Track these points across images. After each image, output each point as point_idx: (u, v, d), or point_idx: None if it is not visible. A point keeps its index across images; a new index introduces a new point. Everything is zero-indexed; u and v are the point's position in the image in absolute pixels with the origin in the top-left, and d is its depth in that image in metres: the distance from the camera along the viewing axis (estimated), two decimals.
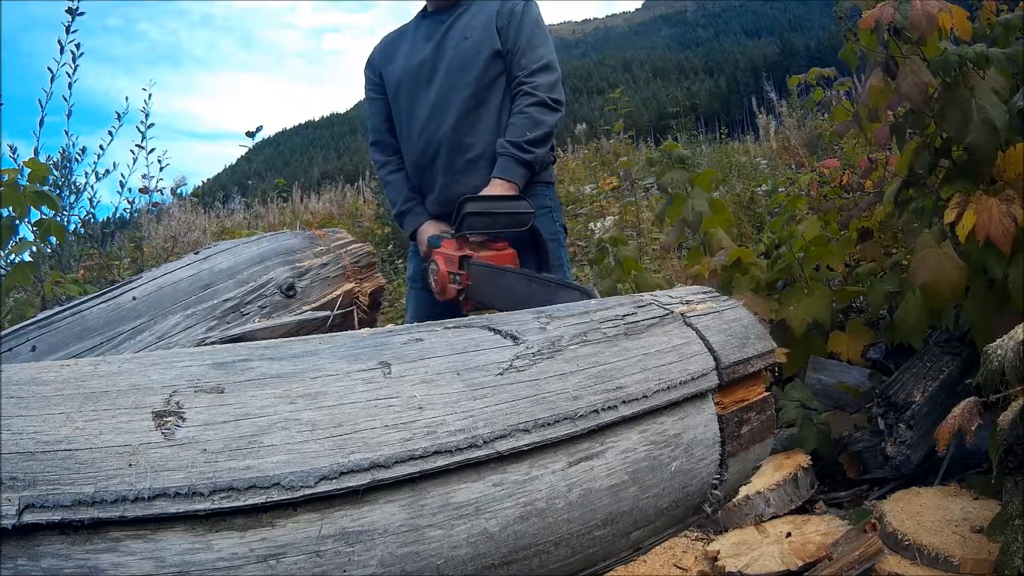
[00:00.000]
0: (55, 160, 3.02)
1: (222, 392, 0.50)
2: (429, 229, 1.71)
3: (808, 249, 2.15)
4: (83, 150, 3.12)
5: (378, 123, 1.84)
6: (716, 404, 0.78)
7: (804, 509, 1.79)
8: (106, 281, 2.74)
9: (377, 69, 1.84)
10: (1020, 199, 1.61)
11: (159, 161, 3.28)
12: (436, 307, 1.54)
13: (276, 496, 0.46)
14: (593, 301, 0.86)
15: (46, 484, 0.41)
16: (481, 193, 1.57)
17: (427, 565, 0.52)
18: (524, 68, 1.67)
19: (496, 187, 1.59)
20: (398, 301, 4.34)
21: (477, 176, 1.66)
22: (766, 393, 0.86)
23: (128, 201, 3.35)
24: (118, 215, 3.54)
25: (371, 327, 0.99)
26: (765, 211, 4.22)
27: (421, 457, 0.52)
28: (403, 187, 1.80)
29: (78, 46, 2.56)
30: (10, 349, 1.11)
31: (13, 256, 2.08)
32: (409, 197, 1.78)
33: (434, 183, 1.73)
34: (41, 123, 2.55)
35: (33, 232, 1.91)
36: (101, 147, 2.98)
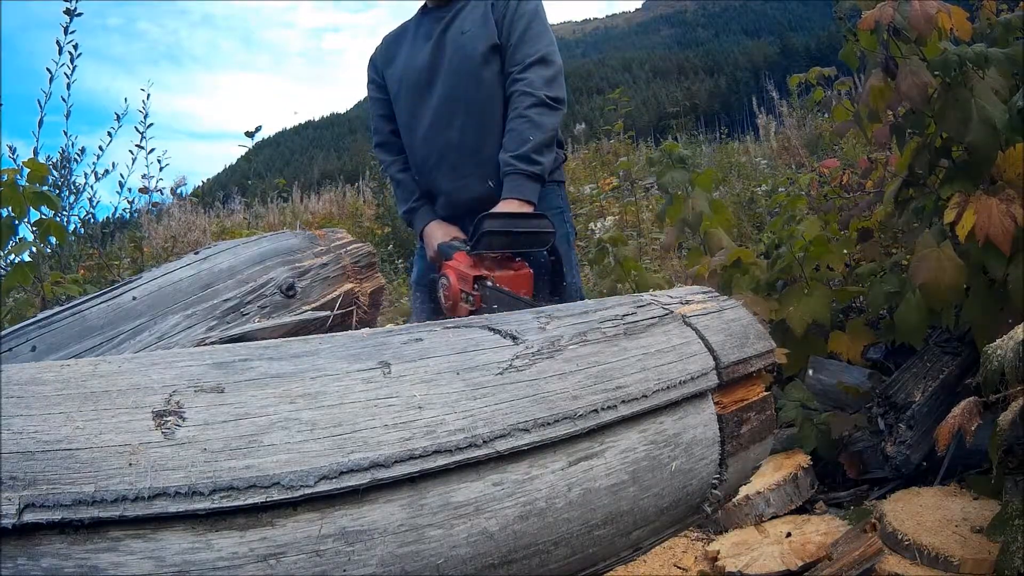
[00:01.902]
0: (55, 160, 3.03)
1: (222, 392, 0.50)
2: (438, 233, 1.64)
3: (808, 249, 2.15)
4: (82, 150, 3.13)
5: (383, 123, 1.79)
6: (716, 404, 0.78)
7: (804, 509, 1.79)
8: (106, 281, 2.74)
9: (379, 70, 1.78)
10: (1020, 199, 1.61)
11: (159, 161, 3.29)
12: (441, 316, 1.47)
13: (276, 496, 0.46)
14: (592, 301, 0.86)
15: (46, 484, 0.41)
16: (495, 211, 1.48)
17: (427, 565, 0.52)
18: (518, 63, 1.56)
19: (512, 207, 1.50)
20: (398, 301, 4.34)
21: (486, 179, 1.59)
22: (766, 393, 0.86)
23: (128, 201, 3.35)
24: (118, 215, 3.55)
25: (371, 327, 0.99)
26: (765, 211, 4.22)
27: (421, 457, 0.52)
28: (412, 185, 1.74)
29: (76, 46, 2.56)
30: (10, 349, 1.11)
31: (13, 256, 2.07)
32: (419, 195, 1.73)
33: (441, 188, 1.67)
34: (40, 123, 2.55)
35: (33, 232, 1.91)
36: (100, 147, 2.99)
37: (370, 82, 1.81)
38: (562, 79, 1.60)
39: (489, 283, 1.32)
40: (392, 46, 1.78)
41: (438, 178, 1.67)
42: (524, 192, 1.51)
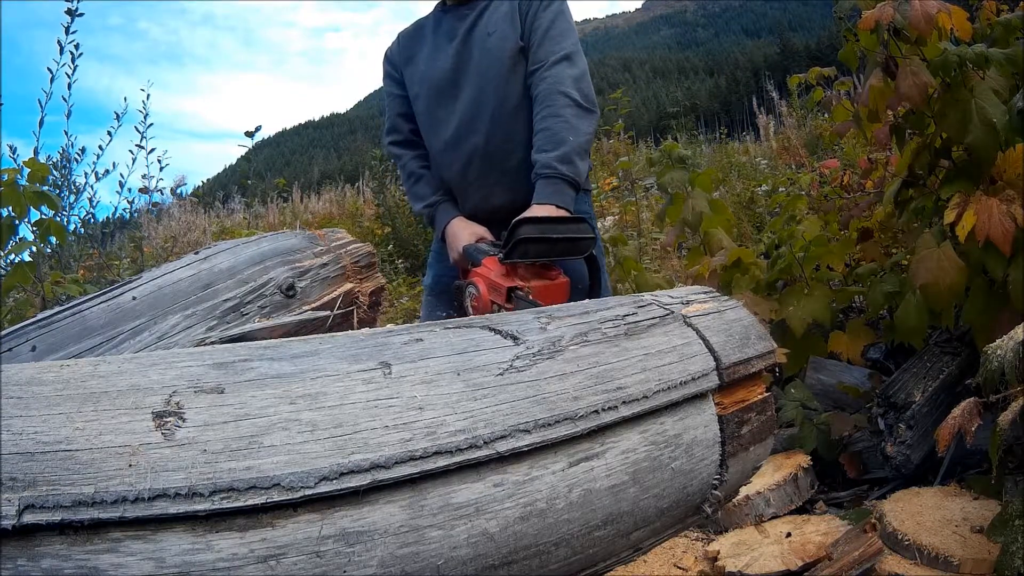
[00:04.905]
0: (55, 160, 3.03)
1: (222, 392, 0.50)
2: (463, 233, 1.54)
3: (808, 249, 2.15)
4: (83, 150, 3.13)
5: (402, 123, 1.71)
6: (716, 404, 0.78)
7: (804, 509, 1.79)
8: (106, 281, 2.74)
9: (398, 67, 1.69)
10: (1020, 199, 1.61)
11: (159, 161, 3.30)
12: None
13: (276, 497, 0.46)
14: (593, 301, 0.86)
15: (46, 484, 0.41)
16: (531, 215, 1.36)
17: (427, 565, 0.52)
18: (542, 60, 1.49)
19: (548, 212, 1.40)
20: (398, 301, 4.34)
21: (516, 187, 1.52)
22: (766, 393, 0.86)
23: (128, 201, 3.36)
24: (118, 215, 3.56)
25: (371, 327, 0.99)
26: (765, 211, 4.22)
27: (421, 458, 0.52)
28: (431, 182, 1.66)
29: (77, 46, 2.56)
30: (10, 349, 1.11)
31: (13, 256, 2.08)
32: (442, 191, 1.65)
33: (467, 196, 1.61)
34: (41, 123, 2.55)
35: (33, 232, 1.91)
36: (101, 147, 2.99)
37: (387, 77, 1.72)
38: (589, 79, 1.52)
39: (524, 295, 1.22)
40: (410, 44, 1.69)
41: (462, 186, 1.61)
42: (562, 199, 1.41)
